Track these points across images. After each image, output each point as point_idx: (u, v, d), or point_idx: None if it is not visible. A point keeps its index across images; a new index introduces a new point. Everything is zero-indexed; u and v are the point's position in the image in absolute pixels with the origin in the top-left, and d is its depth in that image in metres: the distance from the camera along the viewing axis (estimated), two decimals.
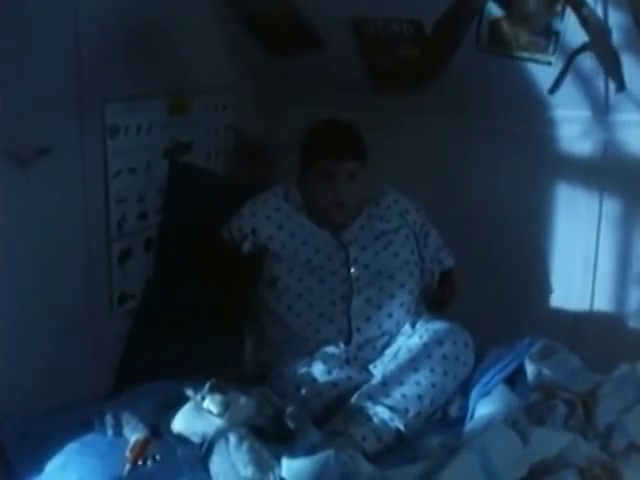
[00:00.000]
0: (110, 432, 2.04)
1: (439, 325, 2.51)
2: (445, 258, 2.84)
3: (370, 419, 2.24)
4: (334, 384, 2.36)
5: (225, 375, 2.24)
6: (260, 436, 2.02)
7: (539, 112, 2.87)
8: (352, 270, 2.58)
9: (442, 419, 2.38)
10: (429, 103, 2.91)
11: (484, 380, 2.37)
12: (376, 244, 2.64)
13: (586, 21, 2.50)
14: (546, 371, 2.34)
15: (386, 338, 2.56)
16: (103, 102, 2.40)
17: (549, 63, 2.69)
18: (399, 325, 2.59)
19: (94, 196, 2.42)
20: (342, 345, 2.51)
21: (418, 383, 2.33)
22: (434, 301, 2.79)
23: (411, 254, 2.69)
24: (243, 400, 2.11)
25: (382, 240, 2.66)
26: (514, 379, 2.39)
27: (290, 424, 2.11)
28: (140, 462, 1.92)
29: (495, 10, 2.66)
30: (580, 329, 2.91)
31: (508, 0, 2.62)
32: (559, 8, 2.57)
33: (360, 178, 2.62)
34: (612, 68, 2.57)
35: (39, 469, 1.95)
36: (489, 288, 2.98)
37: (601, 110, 2.78)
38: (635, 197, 2.84)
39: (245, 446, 1.94)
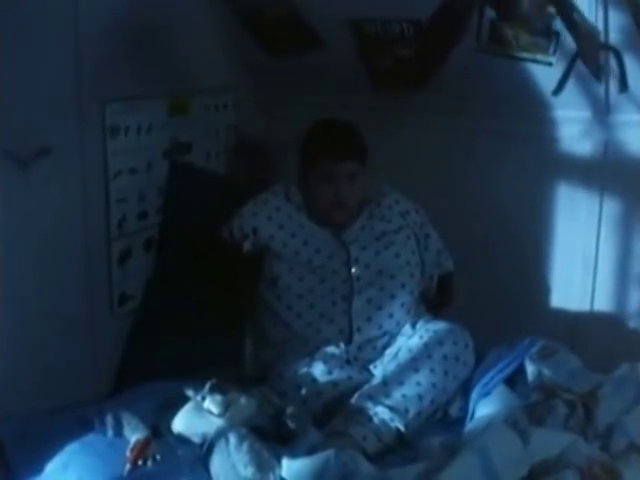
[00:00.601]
0: (110, 432, 2.04)
1: (439, 325, 2.51)
2: (444, 262, 2.84)
3: (370, 419, 2.24)
4: (334, 384, 2.36)
5: (225, 375, 2.24)
6: (260, 436, 2.02)
7: (539, 112, 2.87)
8: (353, 270, 2.58)
9: (442, 419, 2.38)
10: (429, 103, 2.91)
11: (484, 380, 2.36)
12: (377, 244, 2.64)
13: (575, 26, 2.47)
14: (546, 371, 2.34)
15: (386, 338, 2.56)
16: (103, 102, 2.40)
17: (550, 64, 2.68)
18: (399, 325, 2.59)
19: (94, 196, 2.42)
20: (342, 345, 2.51)
21: (418, 383, 2.33)
22: (432, 305, 2.79)
23: (412, 254, 2.69)
24: (243, 400, 2.11)
25: (383, 240, 2.65)
26: (514, 379, 2.39)
27: (290, 424, 2.11)
28: (140, 462, 1.92)
29: None
30: (580, 329, 2.91)
31: (499, 2, 2.60)
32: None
33: (360, 178, 2.62)
34: (598, 72, 2.55)
35: (39, 469, 1.95)
36: (489, 288, 2.98)
37: (601, 110, 2.78)
38: (635, 197, 2.84)
39: (245, 446, 1.94)
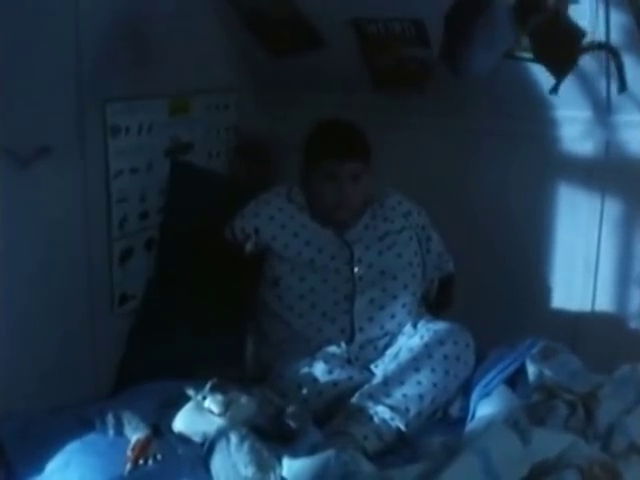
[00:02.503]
0: (111, 431, 2.05)
1: (440, 325, 2.51)
2: (445, 264, 2.84)
3: (371, 419, 2.24)
4: (335, 384, 2.37)
5: (226, 375, 2.24)
6: (261, 436, 2.02)
7: (540, 112, 2.87)
8: (356, 269, 2.58)
9: (443, 419, 2.38)
10: (430, 103, 2.91)
11: (485, 380, 2.36)
12: (380, 244, 2.64)
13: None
14: (547, 372, 2.34)
15: (388, 338, 2.56)
16: (104, 102, 2.40)
17: None
18: (401, 325, 2.58)
19: (95, 196, 2.42)
20: (343, 345, 2.51)
21: (419, 383, 2.33)
22: (432, 307, 2.79)
23: (414, 255, 2.69)
24: (244, 400, 2.11)
25: (386, 240, 2.65)
26: (515, 380, 2.39)
27: (291, 424, 2.11)
28: (141, 461, 1.92)
29: None
30: (581, 330, 2.91)
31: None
32: None
33: (364, 178, 2.62)
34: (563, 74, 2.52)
35: (40, 469, 1.95)
36: (490, 288, 2.98)
37: (602, 110, 2.78)
38: (636, 198, 2.83)
39: (246, 446, 1.94)
